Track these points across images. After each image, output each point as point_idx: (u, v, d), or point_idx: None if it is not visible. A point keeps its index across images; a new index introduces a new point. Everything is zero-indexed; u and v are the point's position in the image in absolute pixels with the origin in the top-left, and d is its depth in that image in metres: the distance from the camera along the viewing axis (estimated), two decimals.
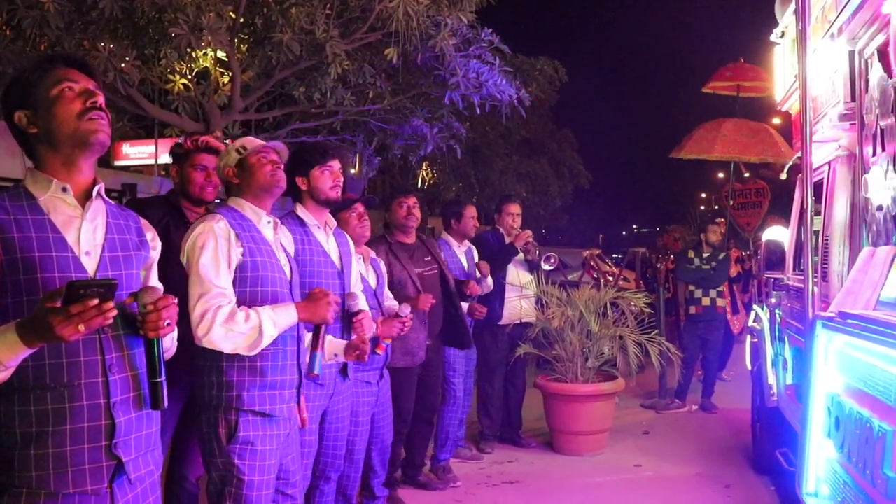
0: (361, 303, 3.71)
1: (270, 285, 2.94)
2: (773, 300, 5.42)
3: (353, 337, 3.48)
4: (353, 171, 17.48)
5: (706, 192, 62.07)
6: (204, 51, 7.94)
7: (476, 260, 6.14)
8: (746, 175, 13.17)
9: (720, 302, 8.15)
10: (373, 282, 4.36)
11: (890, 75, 3.25)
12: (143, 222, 2.34)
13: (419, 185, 20.26)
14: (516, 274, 6.44)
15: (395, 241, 5.05)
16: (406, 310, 4.25)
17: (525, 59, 14.30)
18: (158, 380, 2.12)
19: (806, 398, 3.67)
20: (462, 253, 5.99)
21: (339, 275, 3.66)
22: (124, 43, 6.94)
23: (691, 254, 8.30)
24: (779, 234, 5.23)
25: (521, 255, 6.43)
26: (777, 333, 5.47)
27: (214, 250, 2.83)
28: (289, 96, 9.30)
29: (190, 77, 8.37)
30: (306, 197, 3.65)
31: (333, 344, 3.42)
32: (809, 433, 3.60)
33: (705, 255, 8.19)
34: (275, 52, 7.51)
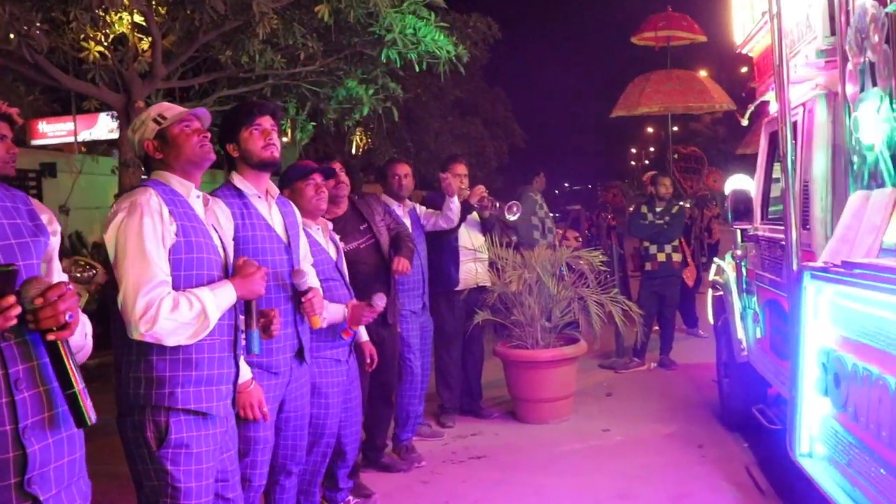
0: (311, 279, 3.36)
1: (206, 268, 2.61)
2: (740, 252, 5.21)
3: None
4: (285, 139, 16.94)
5: (636, 147, 62.73)
6: (119, 14, 7.37)
7: (422, 212, 5.79)
8: (676, 128, 13.06)
9: (675, 257, 7.97)
10: (333, 254, 4.01)
11: (882, 3, 3.00)
12: (36, 203, 1.93)
13: (353, 152, 19.73)
14: (468, 236, 6.12)
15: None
16: (380, 301, 3.94)
17: (458, 15, 13.89)
18: (73, 390, 1.71)
19: (794, 354, 3.45)
20: (406, 214, 5.61)
21: (286, 249, 3.31)
22: (27, 4, 6.32)
23: (644, 209, 8.08)
24: (744, 183, 5.01)
25: (473, 216, 6.12)
26: (745, 286, 5.28)
27: (149, 229, 2.45)
28: (215, 61, 8.76)
29: (106, 44, 7.79)
30: (241, 164, 3.28)
31: (331, 310, 3.39)
32: (801, 391, 3.39)
33: (658, 210, 7.98)
34: (197, 12, 6.99)
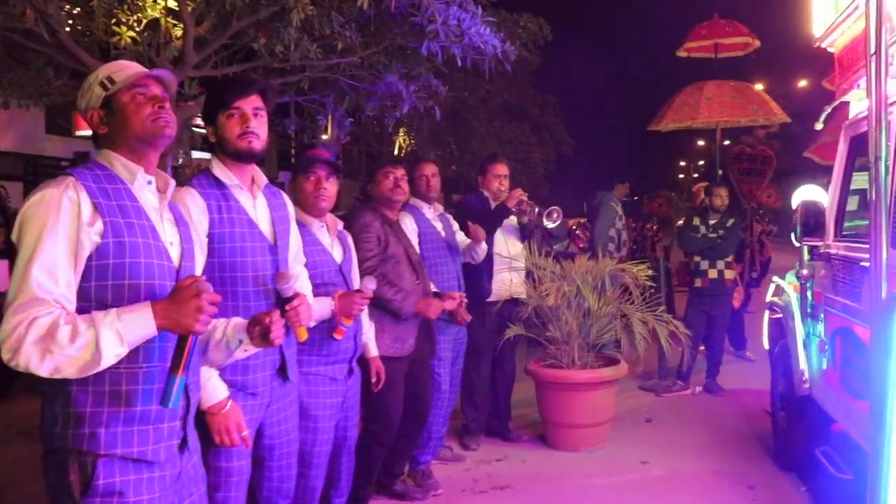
0: (301, 283, 2.88)
1: (145, 277, 2.06)
2: (805, 271, 4.63)
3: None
4: (324, 136, 16.58)
5: (686, 159, 61.55)
6: None
7: (455, 229, 5.34)
8: (727, 142, 12.30)
9: (728, 274, 7.35)
10: (338, 256, 3.55)
11: None
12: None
13: (395, 152, 19.32)
14: (505, 243, 5.62)
15: (383, 214, 4.31)
16: (371, 284, 3.51)
17: (507, 14, 13.40)
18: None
19: (878, 396, 2.89)
20: (436, 217, 5.14)
21: (270, 249, 2.83)
22: None
23: (696, 221, 7.48)
24: (815, 194, 4.42)
25: (512, 220, 5.62)
26: (809, 310, 4.69)
27: (51, 232, 1.96)
28: (250, 50, 8.38)
29: (139, 29, 7.45)
30: (219, 150, 2.83)
31: (316, 308, 2.98)
32: (889, 442, 2.83)
33: (712, 223, 7.38)
34: None
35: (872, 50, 3.09)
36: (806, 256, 4.61)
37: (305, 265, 3.20)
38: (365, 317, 3.82)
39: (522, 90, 21.55)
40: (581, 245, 13.10)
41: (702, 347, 7.69)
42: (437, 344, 4.79)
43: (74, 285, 1.98)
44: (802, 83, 29.74)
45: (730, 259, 7.36)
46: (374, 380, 3.86)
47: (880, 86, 3.01)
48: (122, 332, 1.92)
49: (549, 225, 5.53)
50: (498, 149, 18.89)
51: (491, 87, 18.74)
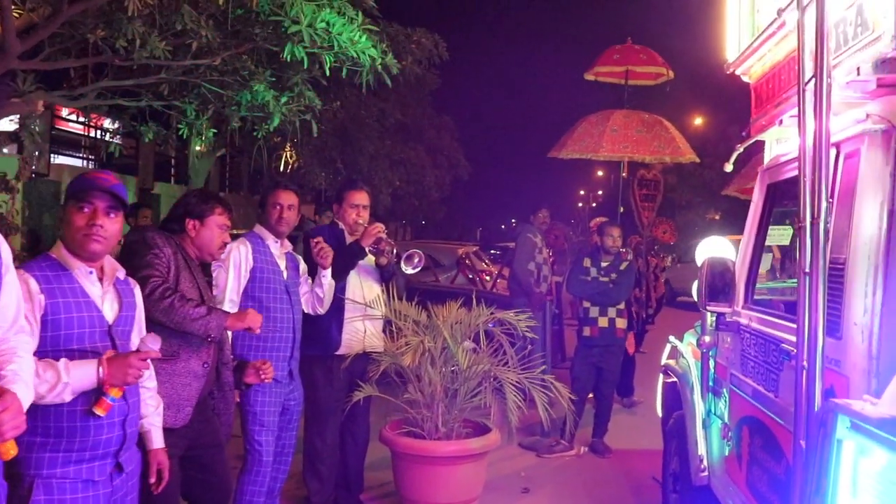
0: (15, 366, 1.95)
1: None
2: (708, 339, 3.87)
3: None
4: (198, 147, 15.33)
5: (585, 188, 62.01)
6: None
7: (303, 269, 4.43)
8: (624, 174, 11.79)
9: (620, 322, 6.59)
10: (110, 312, 2.71)
11: None
12: None
13: (282, 168, 18.18)
14: (360, 287, 4.73)
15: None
16: (153, 343, 2.61)
17: (400, 28, 12.59)
18: None
19: None
20: (281, 254, 4.25)
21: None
22: None
23: (587, 262, 6.71)
24: (722, 249, 3.67)
25: (370, 259, 4.74)
26: (712, 384, 3.95)
27: None
28: (93, 44, 7.26)
29: None
30: None
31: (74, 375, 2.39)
32: None
33: (604, 265, 6.64)
34: None
35: (808, 75, 2.34)
36: (710, 321, 3.86)
37: (61, 323, 2.47)
38: (149, 393, 2.88)
39: (419, 110, 20.80)
40: (468, 275, 12.32)
41: (591, 395, 6.96)
42: (259, 406, 4.06)
43: None
44: (698, 121, 29.98)
45: (622, 306, 6.63)
46: (152, 480, 2.88)
47: (821, 121, 2.24)
48: None
49: (409, 271, 4.66)
50: (388, 170, 18.06)
51: (386, 105, 17.90)
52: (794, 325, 2.75)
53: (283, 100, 7.89)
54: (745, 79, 3.69)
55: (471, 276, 12.28)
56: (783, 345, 2.82)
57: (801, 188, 2.33)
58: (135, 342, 2.73)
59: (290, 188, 4.42)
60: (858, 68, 2.34)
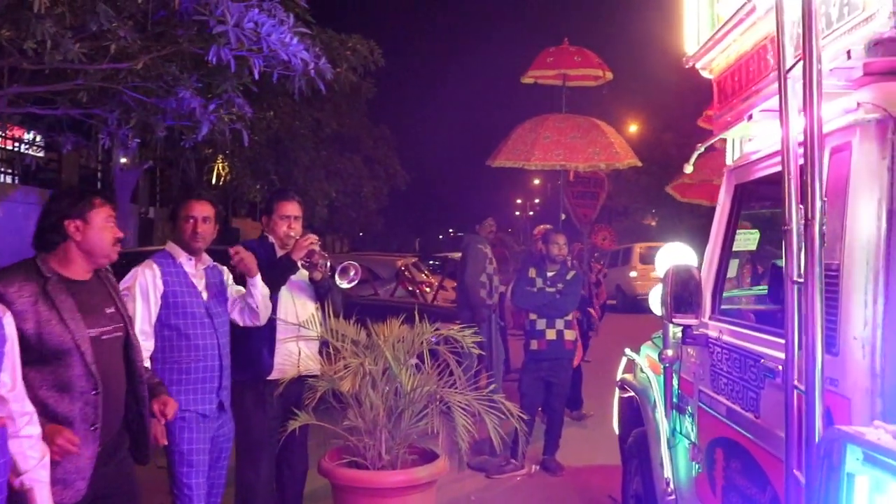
0: None
1: None
2: (671, 352, 3.60)
3: None
4: (123, 160, 14.72)
5: (521, 196, 62.16)
6: None
7: (229, 283, 4.03)
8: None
9: (568, 335, 6.31)
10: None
11: None
12: None
13: (214, 181, 17.62)
14: (293, 304, 4.35)
15: (57, 274, 2.83)
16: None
17: (335, 34, 12.20)
18: None
19: None
20: (200, 272, 3.85)
21: None
22: None
23: (532, 272, 6.43)
24: (685, 256, 3.41)
25: (303, 274, 4.37)
26: (676, 401, 3.67)
27: None
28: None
29: None
30: None
31: None
32: None
33: (550, 275, 6.36)
34: None
35: (790, 62, 2.08)
36: (672, 332, 3.58)
37: None
38: (28, 442, 2.44)
39: (355, 120, 20.42)
40: (408, 287, 11.97)
41: (540, 408, 6.68)
42: (186, 443, 3.68)
43: None
44: (633, 128, 30.08)
45: (570, 318, 6.36)
46: None
47: (812, 111, 1.97)
48: None
49: (344, 285, 4.29)
50: (324, 180, 17.64)
51: (321, 115, 17.50)
52: (775, 339, 2.50)
53: (212, 108, 7.44)
54: (705, 74, 3.43)
55: (411, 289, 11.94)
56: (763, 361, 2.54)
57: (784, 187, 2.06)
58: None
59: (205, 197, 4.00)
60: (849, 51, 2.08)
